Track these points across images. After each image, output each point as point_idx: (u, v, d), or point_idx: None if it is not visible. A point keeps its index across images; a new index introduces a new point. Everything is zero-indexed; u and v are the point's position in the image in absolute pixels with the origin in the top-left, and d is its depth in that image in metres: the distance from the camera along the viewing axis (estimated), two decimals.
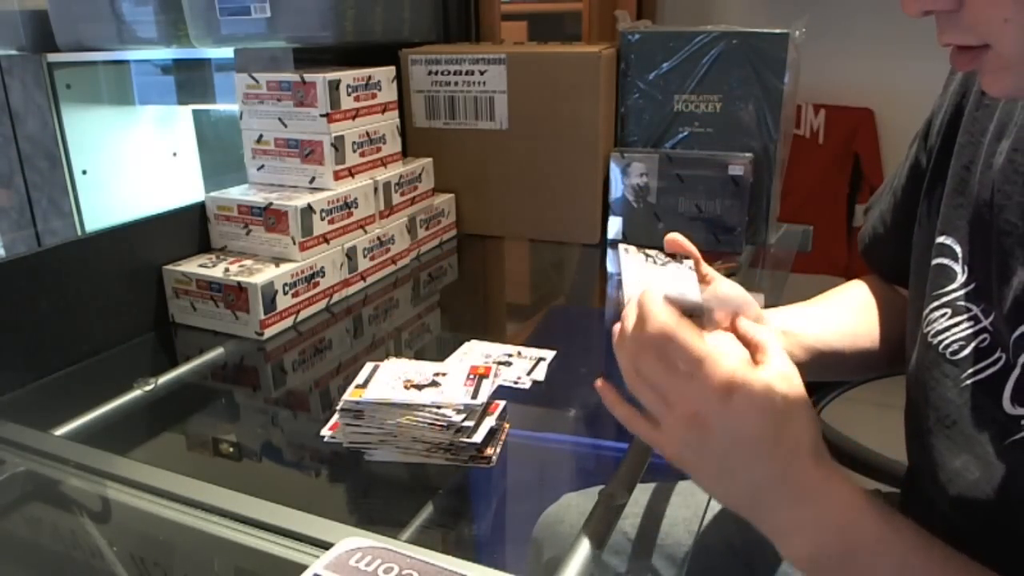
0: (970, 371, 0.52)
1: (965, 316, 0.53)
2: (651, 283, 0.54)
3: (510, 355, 0.80)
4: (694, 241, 0.59)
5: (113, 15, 1.10)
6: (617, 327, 0.51)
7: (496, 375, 0.69)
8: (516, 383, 0.74)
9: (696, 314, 0.52)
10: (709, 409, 0.44)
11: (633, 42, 1.13)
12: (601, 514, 0.53)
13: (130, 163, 1.38)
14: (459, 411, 0.61)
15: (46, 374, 0.79)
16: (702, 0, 2.18)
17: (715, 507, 0.71)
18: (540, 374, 0.76)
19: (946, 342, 0.54)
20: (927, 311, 0.56)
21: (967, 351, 0.52)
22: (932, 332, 0.55)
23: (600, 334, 1.02)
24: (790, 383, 0.45)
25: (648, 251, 0.59)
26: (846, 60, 2.08)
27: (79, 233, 1.24)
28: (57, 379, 0.79)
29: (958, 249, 0.55)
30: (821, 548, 0.46)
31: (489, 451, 0.62)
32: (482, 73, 1.15)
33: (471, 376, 0.65)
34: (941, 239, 0.56)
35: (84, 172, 1.31)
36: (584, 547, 0.49)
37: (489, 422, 0.63)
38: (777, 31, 1.05)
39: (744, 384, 0.43)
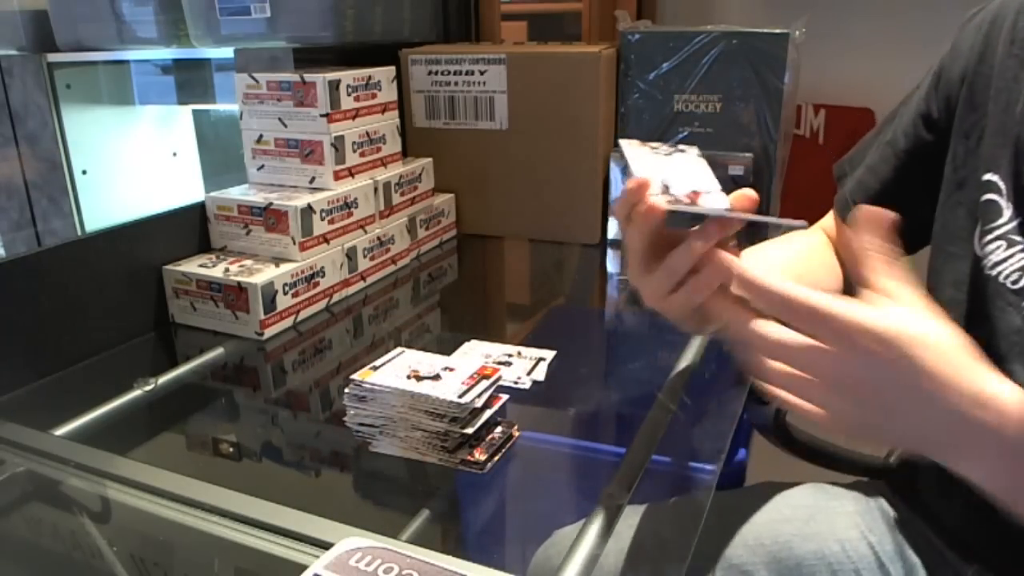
0: None
1: (1019, 247, 0.56)
2: (661, 171, 0.53)
3: (510, 355, 0.80)
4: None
5: (113, 15, 1.10)
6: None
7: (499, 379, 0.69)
8: (516, 383, 0.74)
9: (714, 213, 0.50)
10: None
11: (633, 42, 1.13)
12: (601, 515, 0.53)
13: (130, 163, 1.38)
14: (453, 404, 0.61)
15: (46, 374, 0.79)
16: (702, 0, 2.18)
17: (708, 526, 0.71)
18: (540, 374, 0.76)
19: (1005, 272, 0.56)
20: (982, 243, 0.59)
21: None
22: (990, 264, 0.57)
23: (600, 334, 1.02)
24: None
25: (651, 143, 0.58)
26: (846, 60, 2.08)
27: (79, 233, 1.24)
28: (57, 379, 0.79)
29: (1003, 185, 0.58)
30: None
31: (481, 455, 0.62)
32: (482, 73, 1.15)
33: (475, 375, 0.65)
34: (988, 176, 0.59)
35: (84, 172, 1.31)
36: (581, 554, 0.49)
37: (484, 415, 0.63)
38: (777, 31, 1.05)
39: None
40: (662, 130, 1.14)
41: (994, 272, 0.57)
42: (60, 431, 0.68)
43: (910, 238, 0.70)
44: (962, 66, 0.65)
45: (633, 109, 1.15)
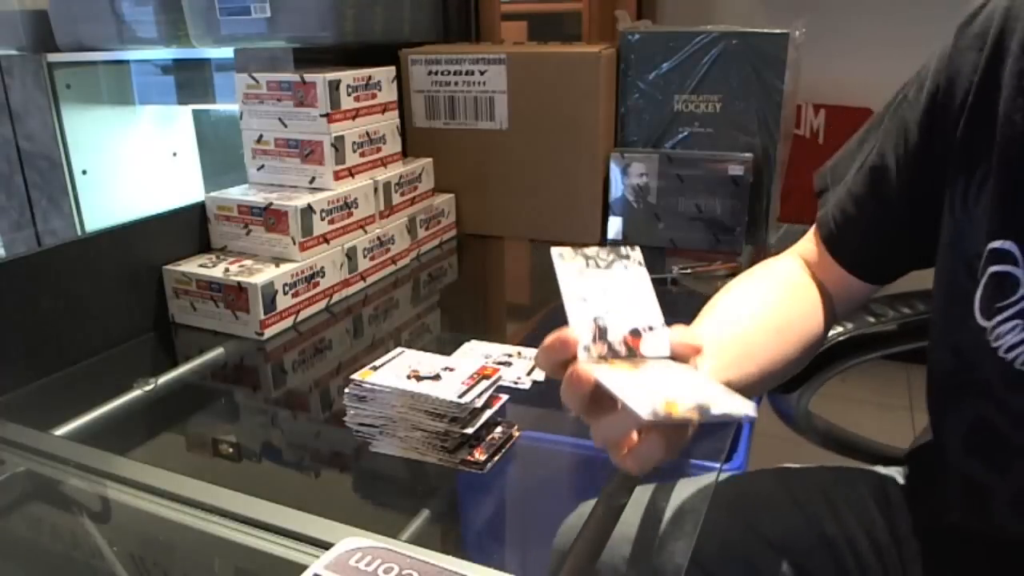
0: None
1: None
2: (596, 304, 0.47)
3: (510, 355, 0.80)
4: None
5: (113, 15, 1.10)
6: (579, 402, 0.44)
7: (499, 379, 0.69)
8: (516, 383, 0.74)
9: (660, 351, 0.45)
10: None
11: (633, 42, 1.13)
12: (601, 515, 0.53)
13: (130, 163, 1.38)
14: (453, 404, 0.61)
15: (46, 374, 0.79)
16: (702, 0, 2.18)
17: (716, 505, 0.71)
18: (540, 374, 0.76)
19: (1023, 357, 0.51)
20: (992, 320, 0.52)
21: None
22: (1004, 347, 0.52)
23: None
24: None
25: (587, 251, 0.50)
26: (846, 60, 2.08)
27: (79, 233, 1.23)
28: (57, 379, 0.79)
29: (1018, 254, 0.51)
30: None
31: (481, 455, 0.62)
32: (482, 73, 1.15)
33: (475, 375, 0.65)
34: (996, 244, 0.52)
35: (84, 172, 1.31)
36: (581, 549, 0.49)
37: (484, 415, 0.63)
38: (777, 31, 1.05)
39: None
40: (662, 130, 1.14)
41: (1010, 356, 0.51)
42: (60, 431, 0.68)
43: (909, 262, 0.63)
44: (963, 90, 0.55)
45: (633, 109, 1.15)
